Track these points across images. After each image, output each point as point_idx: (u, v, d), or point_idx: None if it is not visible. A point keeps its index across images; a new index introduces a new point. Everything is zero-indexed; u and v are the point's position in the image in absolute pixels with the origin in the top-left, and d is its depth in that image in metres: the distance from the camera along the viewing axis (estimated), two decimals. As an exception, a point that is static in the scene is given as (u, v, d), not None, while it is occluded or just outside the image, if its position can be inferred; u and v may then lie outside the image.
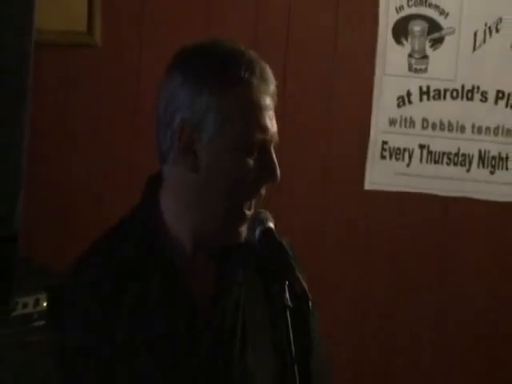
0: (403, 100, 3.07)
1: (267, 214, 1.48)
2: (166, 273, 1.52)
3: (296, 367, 1.34)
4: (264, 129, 1.46)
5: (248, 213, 1.48)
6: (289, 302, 1.36)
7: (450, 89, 3.08)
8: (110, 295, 1.50)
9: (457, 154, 3.10)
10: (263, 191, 1.50)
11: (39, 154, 2.75)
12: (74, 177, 2.93)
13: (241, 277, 1.54)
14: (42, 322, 2.44)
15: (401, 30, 3.04)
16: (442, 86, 3.07)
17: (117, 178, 2.92)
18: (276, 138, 1.50)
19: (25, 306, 2.40)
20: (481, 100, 3.09)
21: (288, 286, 1.37)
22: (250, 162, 1.46)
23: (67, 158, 2.92)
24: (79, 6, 2.88)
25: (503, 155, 3.10)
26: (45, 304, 2.45)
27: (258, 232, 1.45)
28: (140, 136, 2.89)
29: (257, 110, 1.46)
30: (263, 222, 1.46)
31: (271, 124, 1.47)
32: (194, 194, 1.50)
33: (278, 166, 1.48)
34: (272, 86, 1.48)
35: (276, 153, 1.50)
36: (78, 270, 1.56)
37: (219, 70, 1.45)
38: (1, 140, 2.23)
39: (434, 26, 3.05)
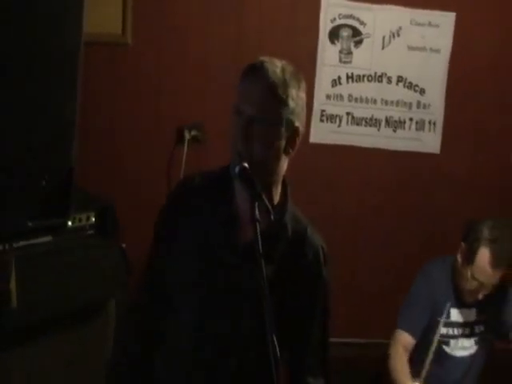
0: (335, 82, 3.41)
1: None
2: (228, 207, 1.74)
3: (264, 271, 1.50)
4: (245, 101, 1.70)
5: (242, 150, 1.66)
6: (258, 217, 1.54)
7: (367, 75, 3.44)
8: (193, 201, 1.78)
9: (371, 119, 3.45)
10: (244, 137, 1.67)
11: (96, 118, 3.16)
12: (118, 131, 3.28)
13: (285, 235, 1.71)
14: (91, 232, 2.62)
15: (334, 35, 3.38)
16: (361, 72, 3.43)
17: (142, 139, 3.27)
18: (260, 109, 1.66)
19: (80, 220, 2.58)
20: (387, 82, 3.46)
21: (257, 205, 1.56)
22: (238, 120, 1.69)
23: (114, 119, 3.27)
24: (115, 12, 3.12)
25: (402, 119, 3.50)
26: (93, 219, 2.62)
27: (237, 169, 1.64)
28: (159, 111, 3.26)
29: (245, 91, 1.71)
30: (240, 162, 1.66)
31: (254, 100, 1.68)
32: None
33: (243, 120, 1.65)
34: (264, 81, 1.67)
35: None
36: (180, 181, 1.88)
37: (242, 74, 1.74)
38: (60, 102, 2.37)
39: (356, 32, 3.40)
